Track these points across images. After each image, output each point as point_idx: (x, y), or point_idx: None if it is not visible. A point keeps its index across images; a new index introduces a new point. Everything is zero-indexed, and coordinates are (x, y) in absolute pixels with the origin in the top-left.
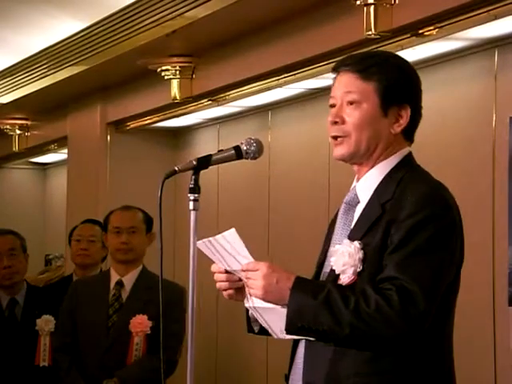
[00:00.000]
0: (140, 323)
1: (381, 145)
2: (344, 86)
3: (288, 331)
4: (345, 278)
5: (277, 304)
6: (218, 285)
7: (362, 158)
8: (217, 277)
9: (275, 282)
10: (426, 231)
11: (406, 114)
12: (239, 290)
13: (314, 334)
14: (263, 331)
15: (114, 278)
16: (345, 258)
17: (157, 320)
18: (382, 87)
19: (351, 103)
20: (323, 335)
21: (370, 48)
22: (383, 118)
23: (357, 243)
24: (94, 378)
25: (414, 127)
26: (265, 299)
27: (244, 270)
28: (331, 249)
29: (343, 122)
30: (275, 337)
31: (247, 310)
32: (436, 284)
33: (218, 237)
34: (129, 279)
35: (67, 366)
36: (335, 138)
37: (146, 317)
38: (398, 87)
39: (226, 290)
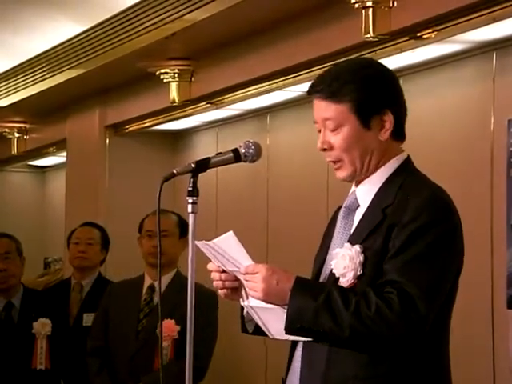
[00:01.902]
0: (167, 328)
1: (374, 155)
2: (321, 112)
3: (287, 331)
4: (344, 282)
5: (277, 305)
6: (215, 284)
7: (362, 174)
8: (213, 276)
9: (275, 283)
10: (428, 236)
11: (388, 119)
12: (235, 289)
13: (314, 335)
14: (257, 331)
15: (147, 282)
16: (345, 262)
17: (185, 324)
18: (356, 105)
19: (332, 130)
20: (323, 336)
21: (369, 51)
22: (367, 132)
23: (357, 247)
24: (122, 383)
25: (402, 125)
26: (265, 301)
27: (243, 273)
28: (331, 252)
29: (331, 147)
30: (270, 337)
31: (242, 310)
32: (437, 288)
33: (216, 240)
34: (161, 284)
35: (97, 369)
36: (332, 162)
37: (173, 321)
38: (372, 98)
39: (222, 288)
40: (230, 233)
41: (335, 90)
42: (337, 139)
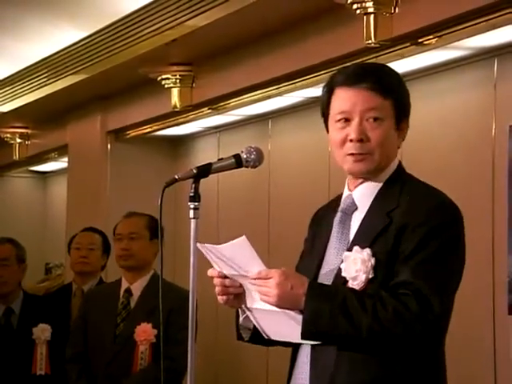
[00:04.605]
0: (144, 332)
1: (391, 157)
2: (365, 102)
3: (304, 336)
4: (354, 285)
5: (290, 310)
6: (217, 290)
7: (376, 172)
8: (216, 281)
9: (289, 288)
10: (439, 238)
11: (407, 126)
12: (237, 295)
13: (331, 339)
14: (253, 339)
15: (124, 285)
16: (357, 265)
17: (163, 328)
18: (398, 103)
19: (374, 120)
20: (340, 340)
21: (370, 57)
22: (396, 133)
23: (368, 250)
24: None
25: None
26: (278, 306)
27: (255, 278)
28: (333, 257)
29: (368, 139)
30: (265, 337)
31: (237, 318)
32: (449, 289)
33: (225, 245)
34: (137, 287)
35: (76, 376)
36: (357, 153)
37: (150, 325)
38: (406, 102)
39: (225, 295)
40: (243, 238)
41: (385, 83)
42: (376, 133)
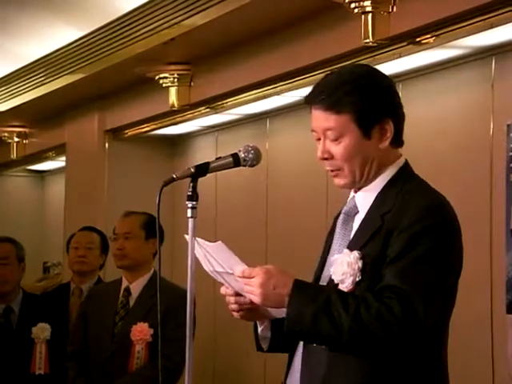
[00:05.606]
0: (140, 331)
1: (374, 163)
2: (321, 122)
3: (287, 336)
4: (343, 288)
5: (277, 308)
6: (230, 307)
7: (361, 182)
8: (228, 299)
9: (272, 288)
10: (427, 241)
11: (389, 127)
12: (251, 310)
13: (313, 339)
14: (272, 349)
15: (124, 285)
16: (344, 268)
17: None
18: (358, 115)
19: (333, 139)
20: (322, 340)
21: (368, 56)
22: (368, 141)
23: (356, 253)
24: None
25: (400, 133)
26: (264, 305)
27: (240, 277)
28: (330, 258)
29: (332, 157)
30: (278, 316)
31: (256, 329)
32: (436, 294)
33: (209, 245)
34: (136, 286)
35: (74, 374)
36: (331, 170)
37: (146, 325)
38: (372, 108)
39: (238, 311)
40: (219, 242)
41: (335, 100)
42: (338, 149)
